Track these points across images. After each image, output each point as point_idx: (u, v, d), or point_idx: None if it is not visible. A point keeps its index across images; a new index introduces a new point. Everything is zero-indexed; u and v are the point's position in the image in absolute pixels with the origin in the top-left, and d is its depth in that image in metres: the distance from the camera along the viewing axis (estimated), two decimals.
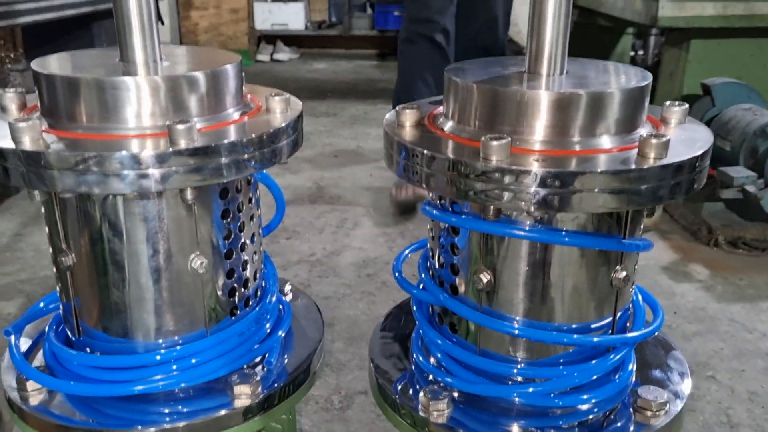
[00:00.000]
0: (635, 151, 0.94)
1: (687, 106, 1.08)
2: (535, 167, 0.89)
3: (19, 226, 3.70)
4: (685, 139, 1.00)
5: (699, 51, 4.39)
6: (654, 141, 0.91)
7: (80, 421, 1.05)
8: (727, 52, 4.30)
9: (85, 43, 5.53)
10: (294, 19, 8.51)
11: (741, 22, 4.08)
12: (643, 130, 1.00)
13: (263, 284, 1.24)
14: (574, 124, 0.96)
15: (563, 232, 0.99)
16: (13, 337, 1.15)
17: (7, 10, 4.34)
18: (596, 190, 0.89)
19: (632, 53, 7.02)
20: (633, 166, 0.89)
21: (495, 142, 0.90)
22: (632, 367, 1.14)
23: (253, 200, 1.17)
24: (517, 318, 1.05)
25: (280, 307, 1.29)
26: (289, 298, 1.36)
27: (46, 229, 1.09)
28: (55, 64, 1.04)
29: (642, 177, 0.89)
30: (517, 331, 1.04)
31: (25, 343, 1.20)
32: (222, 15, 8.96)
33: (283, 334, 1.22)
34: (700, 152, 0.95)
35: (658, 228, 3.72)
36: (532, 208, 0.91)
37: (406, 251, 1.29)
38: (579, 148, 0.95)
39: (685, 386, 1.13)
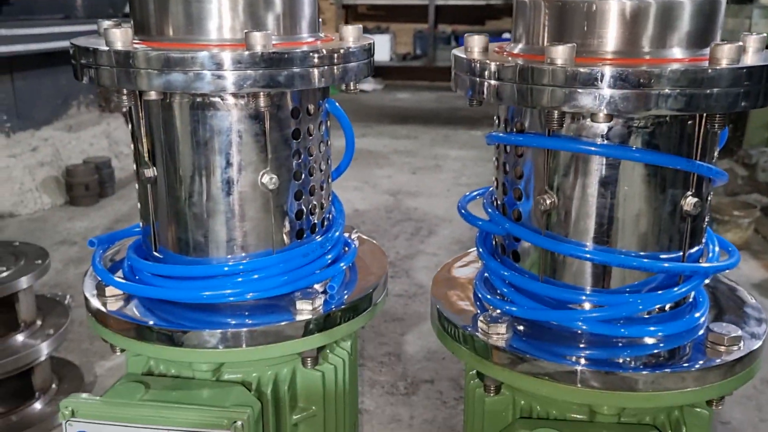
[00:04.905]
0: (707, 63, 0.92)
1: (765, 35, 1.05)
2: (602, 68, 0.88)
3: (111, 223, 3.92)
4: (760, 57, 0.98)
5: None
6: (726, 46, 0.89)
7: (154, 323, 1.09)
8: None
9: None
10: (379, 51, 8.69)
11: None
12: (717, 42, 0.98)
13: (330, 217, 1.27)
14: (643, 34, 0.95)
15: (630, 148, 0.98)
16: (97, 249, 1.22)
17: None
18: (666, 91, 0.87)
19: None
20: (703, 68, 0.88)
21: (560, 46, 0.91)
22: (705, 307, 1.09)
23: (323, 128, 1.21)
24: (581, 241, 1.03)
25: (346, 245, 1.31)
26: (355, 244, 1.39)
27: (131, 146, 1.16)
28: None
29: (712, 79, 0.87)
30: (583, 254, 1.03)
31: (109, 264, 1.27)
32: None
33: (346, 266, 1.24)
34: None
35: (750, 248, 3.55)
36: (600, 113, 0.91)
37: (474, 193, 1.29)
38: (649, 58, 0.94)
39: (762, 329, 1.07)
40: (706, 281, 1.12)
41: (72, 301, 2.67)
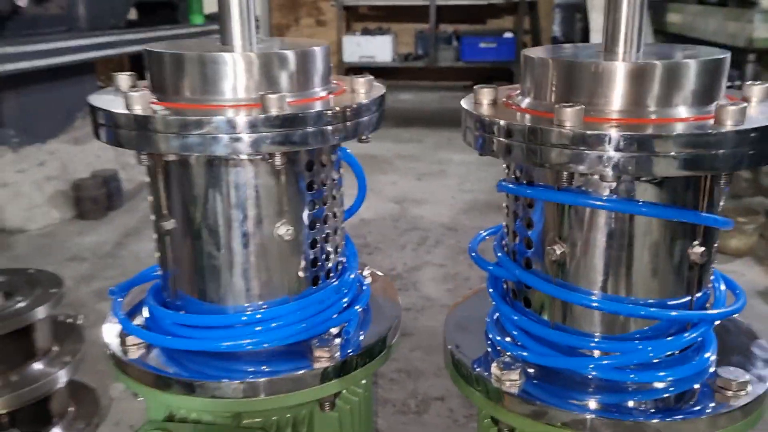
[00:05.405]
0: (712, 121, 0.94)
1: None
2: (610, 131, 0.91)
3: (120, 237, 3.96)
4: (757, 107, 1.00)
5: None
6: (731, 108, 0.91)
7: (173, 373, 1.12)
8: None
9: None
10: (381, 52, 8.73)
11: None
12: (721, 102, 1.00)
13: (343, 260, 1.30)
14: (650, 94, 0.97)
15: (637, 202, 1.00)
16: (116, 298, 1.25)
17: (117, 40, 4.70)
18: (672, 153, 0.90)
19: (728, 84, 6.78)
20: (709, 131, 0.90)
21: (568, 109, 0.93)
22: (712, 349, 1.12)
23: (337, 178, 1.24)
24: (590, 290, 1.06)
25: (360, 286, 1.34)
26: (368, 281, 1.41)
27: (150, 197, 1.19)
28: (164, 45, 1.15)
29: (718, 142, 0.90)
30: (592, 303, 1.05)
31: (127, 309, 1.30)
32: None
33: (361, 309, 1.27)
34: None
35: (755, 254, 3.57)
36: (608, 173, 0.93)
37: (483, 233, 1.32)
38: (655, 117, 0.96)
39: None
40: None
41: (85, 321, 2.70)
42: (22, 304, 1.95)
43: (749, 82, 1.08)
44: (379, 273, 1.47)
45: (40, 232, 3.99)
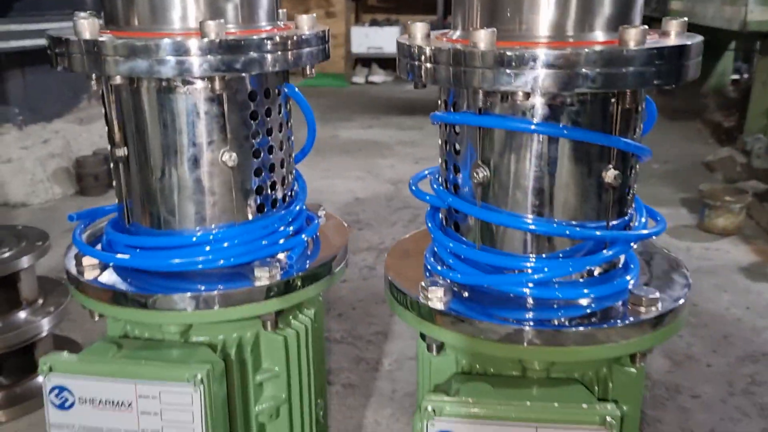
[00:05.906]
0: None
1: (686, 19, 1.12)
2: (523, 51, 0.97)
3: None
4: (675, 38, 1.06)
5: None
6: (632, 29, 0.97)
7: (127, 289, 1.20)
8: None
9: None
10: (389, 43, 8.78)
11: None
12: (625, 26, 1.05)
13: (291, 194, 1.37)
14: (566, 19, 1.03)
15: (553, 124, 1.06)
16: (79, 224, 1.33)
17: None
18: (581, 71, 0.95)
19: (737, 77, 6.77)
20: (615, 50, 0.96)
21: (482, 31, 0.99)
22: (634, 273, 1.17)
23: (282, 111, 1.30)
24: (512, 211, 1.12)
25: (309, 219, 1.41)
26: (322, 221, 1.48)
27: (106, 128, 1.26)
28: None
29: (623, 59, 0.95)
30: (513, 224, 1.11)
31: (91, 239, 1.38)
32: None
33: (308, 238, 1.34)
34: (681, 43, 1.00)
35: (742, 233, 3.59)
36: (523, 93, 0.99)
37: (425, 171, 1.38)
38: (572, 41, 1.02)
39: (682, 293, 1.15)
40: (635, 247, 1.21)
41: None
42: (7, 254, 2.04)
43: (668, 17, 1.14)
44: (334, 214, 1.54)
45: (41, 207, 4.10)
